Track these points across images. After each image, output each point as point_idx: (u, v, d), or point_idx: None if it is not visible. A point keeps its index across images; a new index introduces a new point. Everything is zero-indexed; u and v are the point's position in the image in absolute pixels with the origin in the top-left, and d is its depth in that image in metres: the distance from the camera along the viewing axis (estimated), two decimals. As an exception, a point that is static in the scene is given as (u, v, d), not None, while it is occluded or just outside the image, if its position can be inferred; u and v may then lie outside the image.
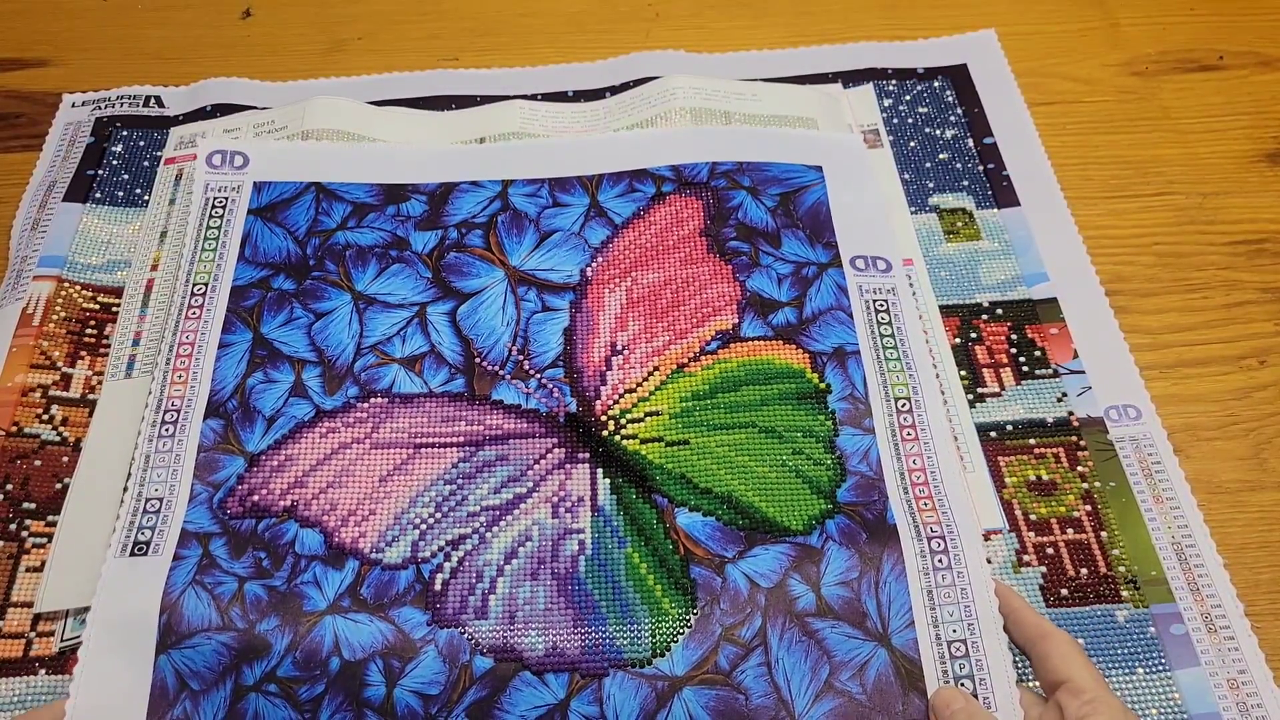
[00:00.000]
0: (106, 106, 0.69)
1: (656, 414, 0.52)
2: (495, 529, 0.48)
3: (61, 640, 0.48)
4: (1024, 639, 0.45)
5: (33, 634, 0.49)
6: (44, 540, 0.51)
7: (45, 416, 0.55)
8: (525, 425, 0.51)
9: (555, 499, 0.49)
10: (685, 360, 0.54)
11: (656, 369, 0.53)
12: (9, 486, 0.53)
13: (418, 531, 0.48)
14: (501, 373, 0.53)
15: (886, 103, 0.68)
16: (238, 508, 0.49)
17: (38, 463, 0.54)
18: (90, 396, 0.56)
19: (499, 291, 0.56)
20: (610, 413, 0.52)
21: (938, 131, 0.67)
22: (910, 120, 0.68)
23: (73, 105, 0.70)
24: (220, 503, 0.49)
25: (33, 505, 0.52)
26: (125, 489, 0.49)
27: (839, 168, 0.61)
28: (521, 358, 0.53)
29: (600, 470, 0.50)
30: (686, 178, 0.60)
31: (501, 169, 0.61)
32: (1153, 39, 0.72)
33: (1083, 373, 0.56)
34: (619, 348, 0.54)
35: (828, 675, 0.45)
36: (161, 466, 0.50)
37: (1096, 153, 0.66)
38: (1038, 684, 0.44)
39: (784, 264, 0.56)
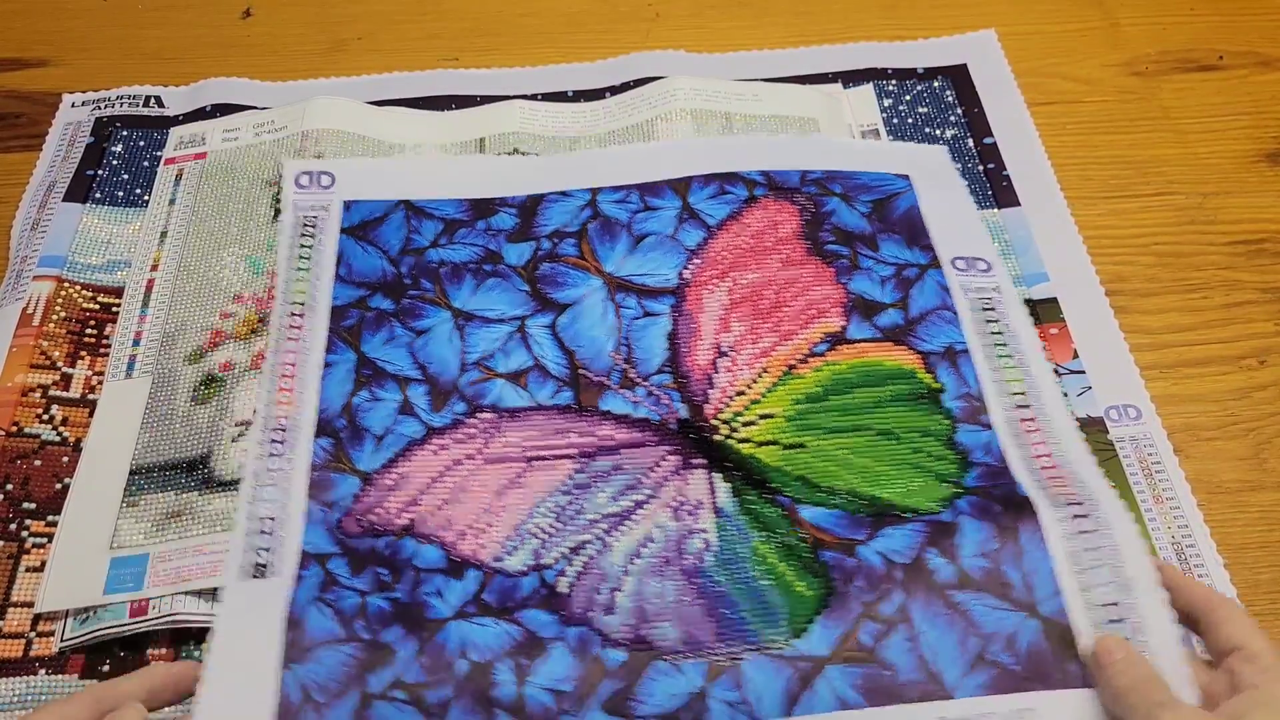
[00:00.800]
0: (106, 106, 0.69)
1: (770, 416, 0.51)
2: (616, 534, 0.48)
3: (61, 640, 0.48)
4: (1192, 608, 0.43)
5: (33, 634, 0.49)
6: (44, 540, 0.51)
7: (45, 416, 0.55)
8: (637, 434, 0.51)
9: (674, 504, 0.49)
10: (794, 362, 0.53)
11: (765, 371, 0.53)
12: (9, 486, 0.53)
13: (538, 541, 0.47)
14: (608, 382, 0.52)
15: (886, 103, 0.68)
16: (355, 527, 0.48)
17: (38, 463, 0.54)
18: (90, 396, 0.56)
19: (598, 300, 0.55)
20: (721, 415, 0.51)
21: (938, 131, 0.67)
22: (910, 120, 0.68)
23: (73, 105, 0.70)
24: (337, 523, 0.48)
25: (33, 505, 0.52)
26: (236, 508, 0.48)
27: (925, 175, 0.60)
28: (626, 366, 0.53)
29: (718, 475, 0.50)
30: (777, 182, 0.59)
31: (588, 177, 0.60)
32: (1153, 39, 0.72)
33: (1083, 373, 0.56)
34: (724, 350, 0.53)
35: (977, 647, 0.44)
36: (271, 485, 0.49)
37: (1096, 153, 0.66)
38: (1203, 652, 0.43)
39: (884, 266, 0.56)
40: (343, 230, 0.57)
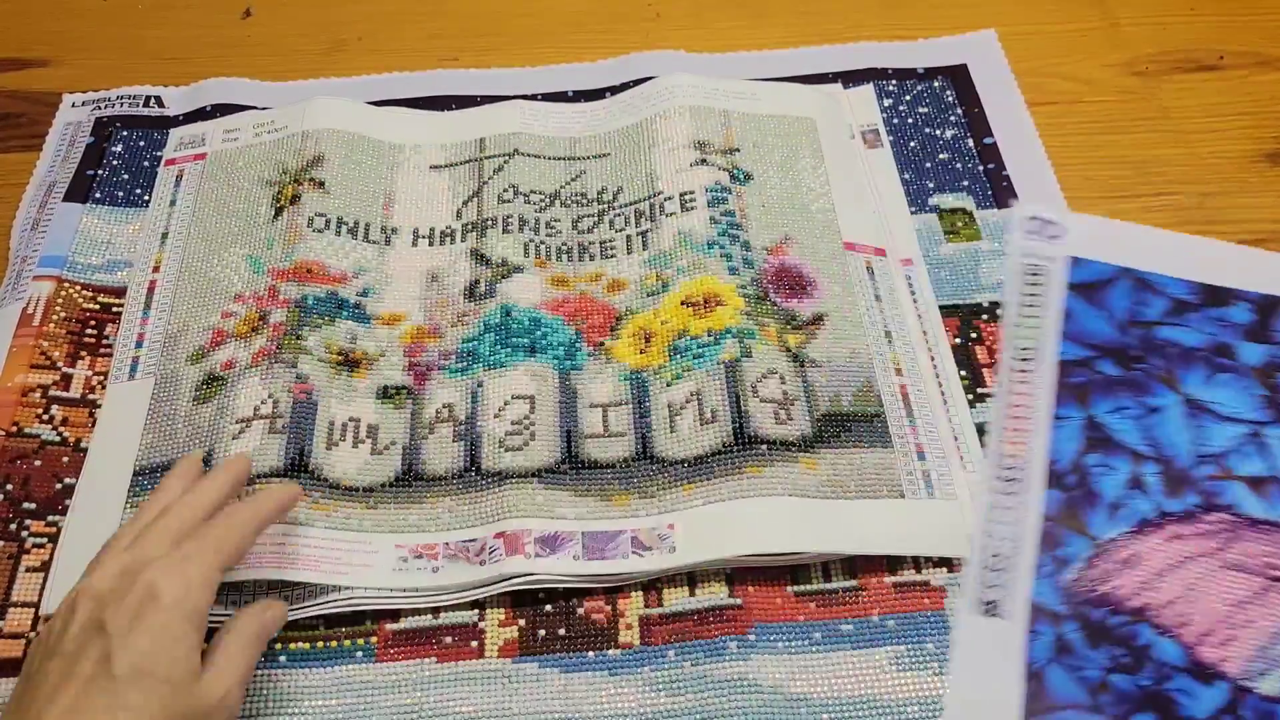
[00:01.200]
0: (106, 106, 0.69)
1: None
2: None
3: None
4: None
5: (33, 634, 0.49)
6: (44, 540, 0.51)
7: (45, 416, 0.55)
8: None
9: None
10: None
11: None
12: (9, 486, 0.53)
13: None
14: None
15: (886, 103, 0.68)
16: (1086, 593, 0.48)
17: (38, 463, 0.54)
18: (90, 396, 0.56)
19: None
20: None
21: (938, 131, 0.67)
22: (910, 120, 0.68)
23: (73, 105, 0.70)
24: (1067, 584, 0.48)
25: (33, 505, 0.52)
26: (971, 540, 0.49)
27: None
28: None
29: None
30: None
31: None
32: (1153, 39, 0.72)
33: (1084, 373, 0.56)
34: None
35: None
36: (1004, 523, 0.50)
37: (1096, 153, 0.66)
38: None
39: None
40: (1069, 286, 0.56)
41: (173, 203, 0.63)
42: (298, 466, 0.51)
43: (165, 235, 0.62)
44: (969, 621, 0.48)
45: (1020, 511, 0.50)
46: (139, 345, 0.57)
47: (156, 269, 0.60)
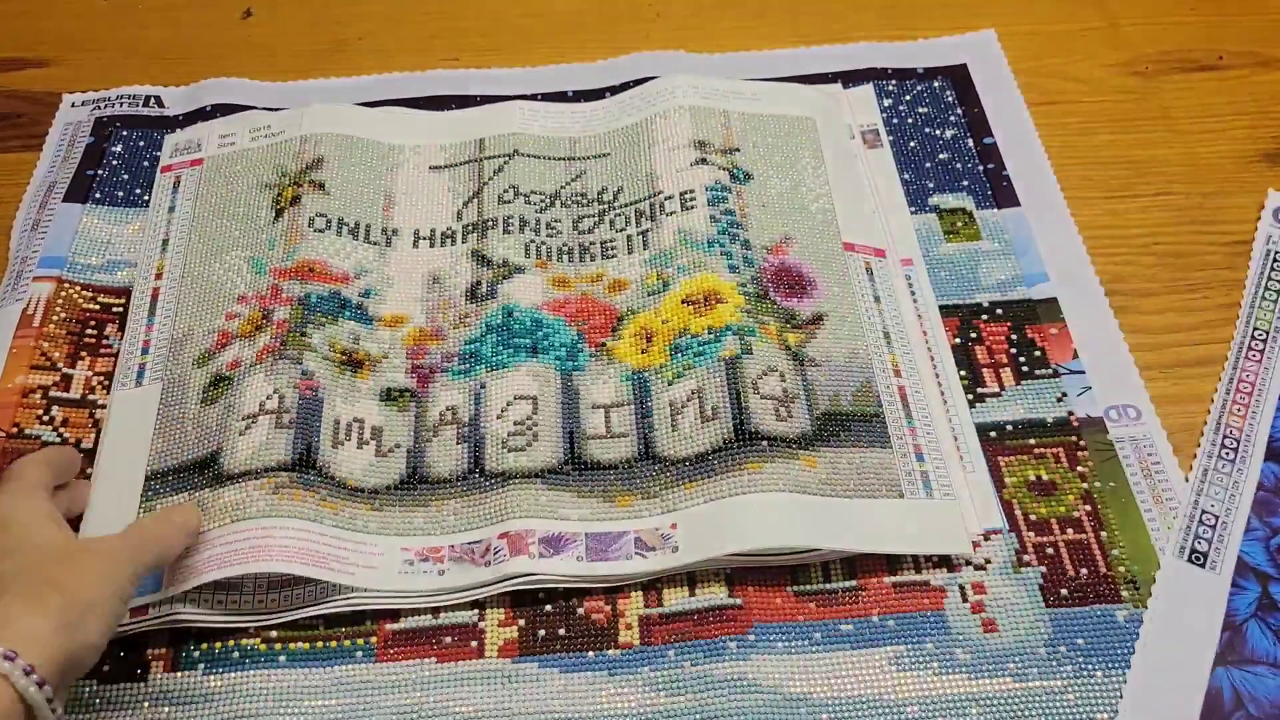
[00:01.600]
0: (106, 106, 0.69)
1: None
2: None
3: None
4: None
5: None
6: (45, 541, 0.51)
7: (46, 417, 0.55)
8: None
9: None
10: None
11: None
12: (10, 487, 0.53)
13: None
14: None
15: (886, 103, 0.68)
16: None
17: (39, 463, 0.54)
18: (90, 397, 0.56)
19: None
20: None
21: (938, 131, 0.67)
22: (910, 120, 0.68)
23: (73, 105, 0.70)
24: (1278, 547, 0.50)
25: (34, 506, 0.52)
26: (1184, 496, 0.51)
27: None
28: None
29: None
30: None
31: None
32: (1153, 39, 0.72)
33: (1083, 373, 0.56)
34: None
35: None
36: (1218, 486, 0.52)
37: (1096, 153, 0.66)
38: None
39: None
40: None
41: (171, 209, 0.63)
42: (306, 462, 0.51)
43: (166, 242, 0.62)
44: (1171, 565, 0.49)
45: (1236, 478, 0.52)
46: (145, 352, 0.57)
47: (159, 275, 0.60)
